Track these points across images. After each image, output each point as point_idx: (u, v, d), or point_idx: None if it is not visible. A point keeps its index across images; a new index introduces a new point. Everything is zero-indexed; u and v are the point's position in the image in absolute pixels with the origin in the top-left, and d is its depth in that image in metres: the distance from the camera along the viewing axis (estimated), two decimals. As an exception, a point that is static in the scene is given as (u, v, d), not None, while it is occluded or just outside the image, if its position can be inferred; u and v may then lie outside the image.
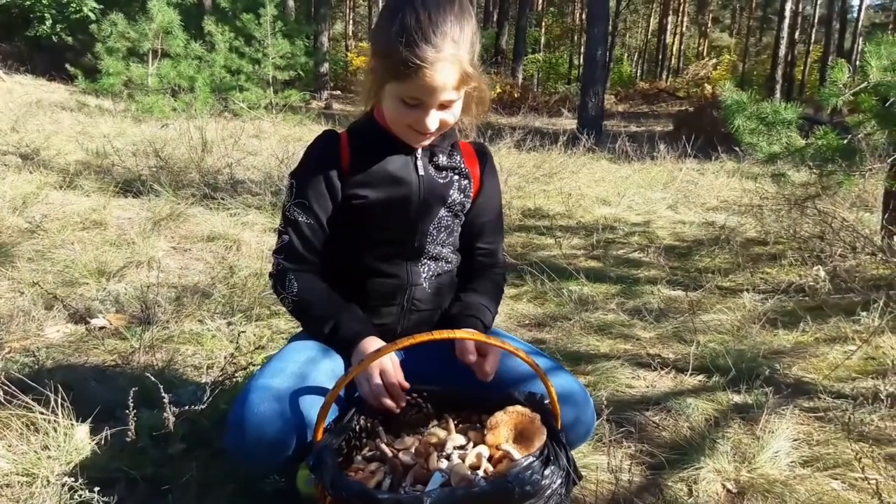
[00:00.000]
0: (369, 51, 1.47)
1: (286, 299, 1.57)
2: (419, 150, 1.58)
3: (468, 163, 1.67)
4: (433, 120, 1.43)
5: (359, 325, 1.52)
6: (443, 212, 1.62)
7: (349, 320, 1.52)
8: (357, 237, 1.59)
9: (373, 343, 1.48)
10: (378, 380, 1.42)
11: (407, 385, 1.45)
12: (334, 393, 1.27)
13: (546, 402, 1.42)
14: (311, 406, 1.37)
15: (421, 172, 1.57)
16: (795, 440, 2.04)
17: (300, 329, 1.68)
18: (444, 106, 1.43)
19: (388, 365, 1.44)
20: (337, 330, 1.51)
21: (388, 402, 1.41)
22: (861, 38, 25.63)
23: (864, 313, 3.04)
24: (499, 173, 1.80)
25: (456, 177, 1.64)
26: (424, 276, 1.63)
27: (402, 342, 1.25)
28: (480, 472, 1.30)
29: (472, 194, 1.67)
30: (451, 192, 1.62)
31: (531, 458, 1.23)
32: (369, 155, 1.55)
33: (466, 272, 1.74)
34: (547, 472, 1.20)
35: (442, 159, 1.62)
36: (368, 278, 1.60)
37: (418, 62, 1.33)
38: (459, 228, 1.70)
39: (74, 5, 17.44)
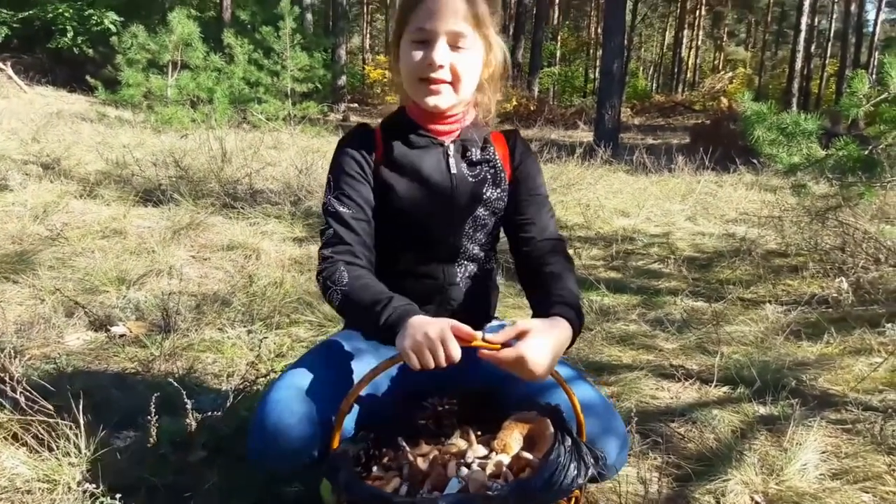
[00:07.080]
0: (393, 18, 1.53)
1: (334, 293, 1.43)
2: (451, 147, 1.56)
3: (500, 152, 1.61)
4: (441, 53, 1.41)
5: (409, 305, 1.37)
6: (480, 210, 1.57)
7: (399, 301, 1.37)
8: (392, 239, 1.56)
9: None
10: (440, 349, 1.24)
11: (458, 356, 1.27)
12: (360, 387, 1.25)
13: (554, 405, 1.39)
14: (335, 409, 1.34)
15: (453, 171, 1.55)
16: (824, 452, 1.99)
17: (321, 338, 1.66)
18: (454, 45, 1.43)
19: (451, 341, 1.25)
20: (388, 308, 1.35)
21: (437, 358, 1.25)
22: (877, 52, 25.46)
23: (888, 325, 2.98)
24: None
25: (491, 171, 1.58)
26: (461, 276, 1.60)
27: None
28: (500, 481, 1.28)
29: (507, 186, 1.60)
30: (486, 188, 1.57)
31: (548, 460, 1.21)
32: (402, 147, 1.54)
33: (535, 261, 1.56)
34: (572, 470, 1.19)
35: (475, 153, 1.58)
36: (405, 280, 1.56)
37: None
38: (498, 226, 1.64)
39: (96, 18, 17.69)
